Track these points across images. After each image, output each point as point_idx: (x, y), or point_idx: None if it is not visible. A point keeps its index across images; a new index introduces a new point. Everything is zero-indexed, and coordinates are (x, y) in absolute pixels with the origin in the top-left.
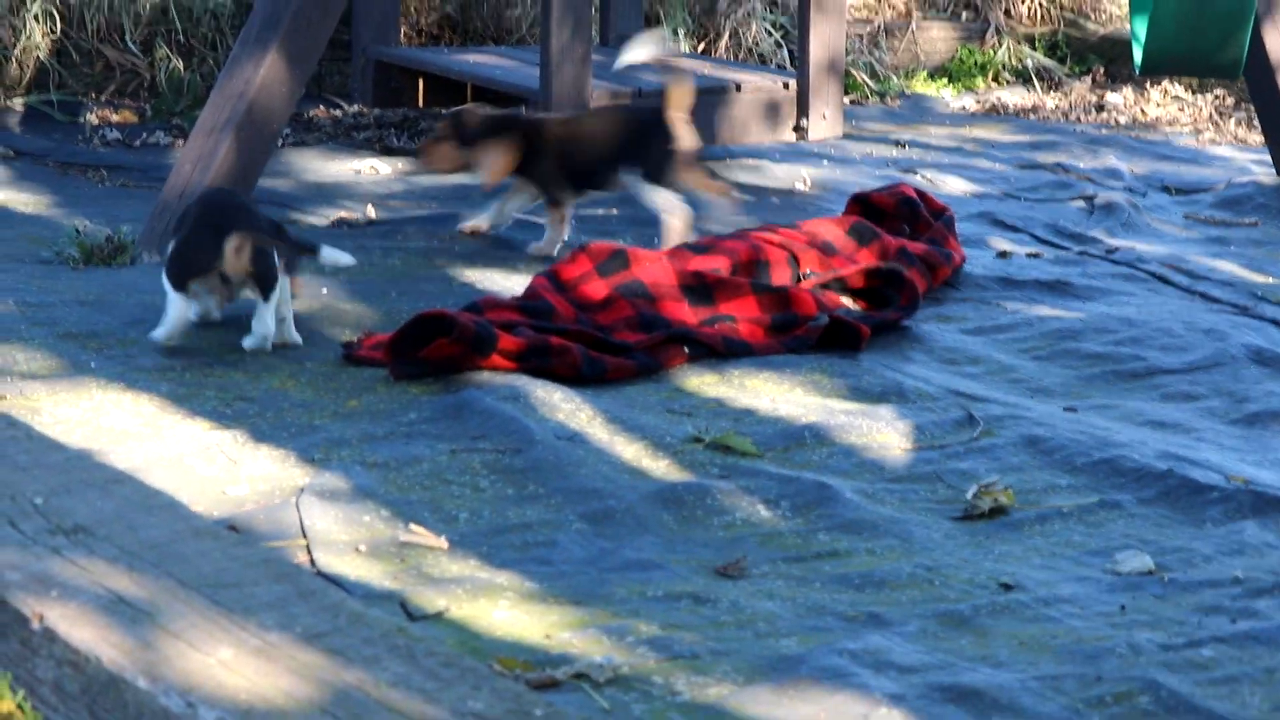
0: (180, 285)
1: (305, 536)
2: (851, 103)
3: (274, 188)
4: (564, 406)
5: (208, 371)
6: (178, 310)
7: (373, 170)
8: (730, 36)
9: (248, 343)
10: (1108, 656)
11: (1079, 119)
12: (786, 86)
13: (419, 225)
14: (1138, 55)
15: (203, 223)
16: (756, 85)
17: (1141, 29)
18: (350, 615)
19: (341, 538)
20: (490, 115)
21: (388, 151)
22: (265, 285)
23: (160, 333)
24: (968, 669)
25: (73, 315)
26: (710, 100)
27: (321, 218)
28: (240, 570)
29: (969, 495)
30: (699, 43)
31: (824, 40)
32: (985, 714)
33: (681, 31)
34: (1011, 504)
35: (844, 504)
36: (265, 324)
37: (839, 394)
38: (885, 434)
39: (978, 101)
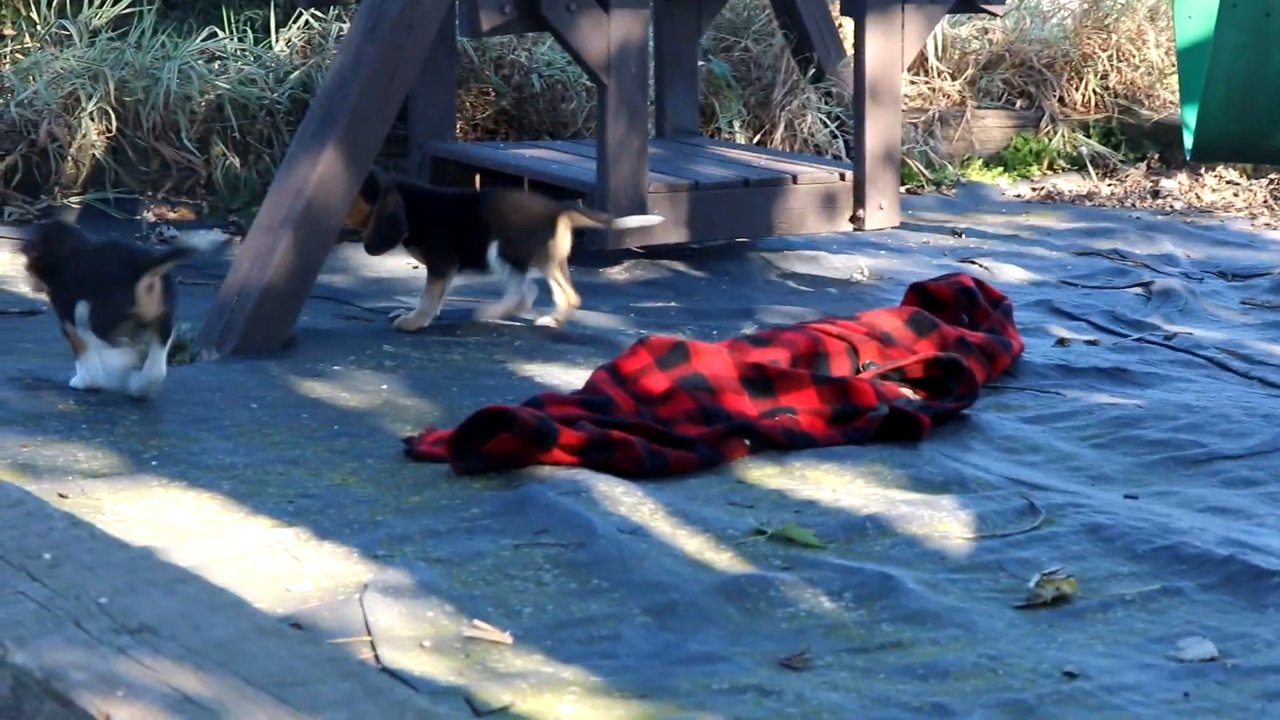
0: (108, 333)
1: (369, 633)
2: (907, 191)
3: (331, 283)
4: (626, 500)
5: (269, 469)
6: (111, 360)
7: None
8: (785, 128)
9: (136, 384)
10: None
11: (1134, 205)
12: (843, 177)
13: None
14: (1189, 142)
15: (112, 271)
16: (813, 176)
17: (1192, 117)
18: (417, 712)
19: (405, 634)
20: (392, 179)
21: None
22: (168, 329)
23: (83, 379)
24: None
25: (133, 414)
26: (767, 192)
27: (380, 313)
28: (306, 668)
29: (1031, 584)
30: (755, 134)
31: (880, 130)
32: None
33: (737, 124)
34: (1074, 592)
35: (907, 594)
36: (160, 368)
37: (900, 484)
38: (947, 523)
39: (1033, 189)
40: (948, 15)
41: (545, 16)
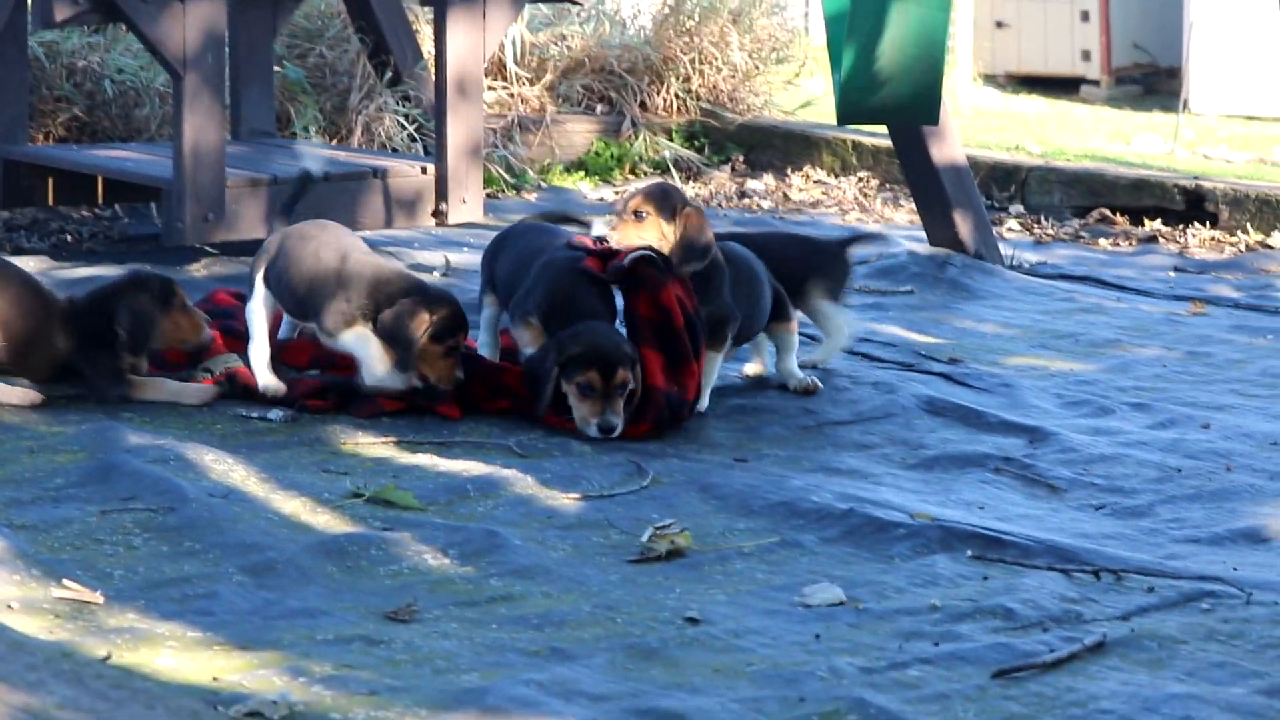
0: None
1: None
2: (489, 196)
3: None
4: (215, 467)
5: None
6: None
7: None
8: (363, 132)
9: None
10: (808, 679)
11: (721, 206)
12: (425, 171)
13: None
14: (837, 107)
15: None
16: (395, 170)
17: (837, 81)
18: (10, 643)
19: None
20: None
21: (19, 252)
22: None
23: None
24: (663, 695)
25: None
26: (348, 187)
27: None
28: None
29: (644, 539)
30: (332, 139)
31: (464, 123)
32: None
33: (313, 129)
34: (689, 546)
35: (514, 550)
36: None
37: (501, 452)
38: (552, 486)
39: (616, 193)
40: (528, 9)
41: (119, 6)
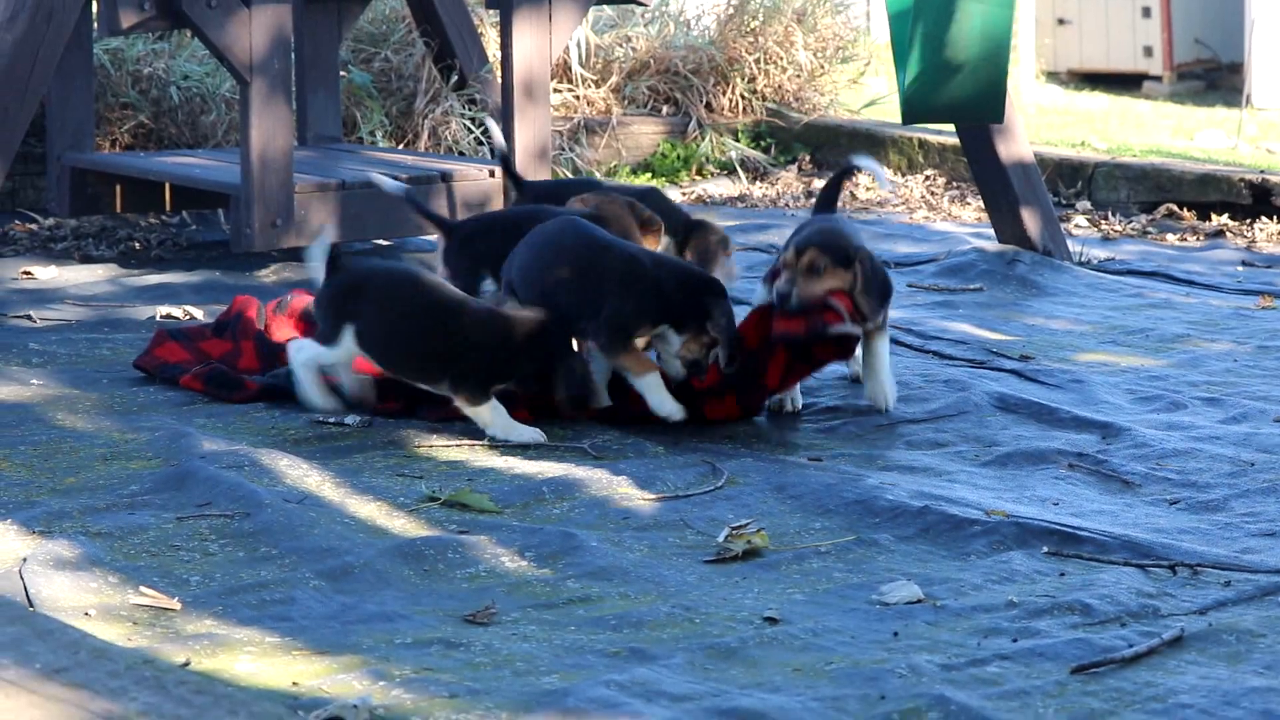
0: None
1: (31, 605)
2: None
3: None
4: (290, 472)
5: None
6: None
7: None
8: (430, 135)
9: None
10: (889, 677)
11: (788, 206)
12: (492, 174)
13: (125, 320)
14: (901, 106)
15: None
16: (463, 174)
17: (903, 81)
18: (92, 650)
19: (70, 604)
20: None
21: (87, 260)
22: None
23: None
24: (743, 695)
25: None
26: (417, 191)
27: (30, 320)
28: None
29: (720, 538)
30: (398, 143)
31: (531, 126)
32: None
33: (380, 133)
34: (765, 545)
35: (591, 552)
36: None
37: (576, 454)
38: (626, 487)
39: (683, 194)
40: (592, 10)
41: (185, 13)
